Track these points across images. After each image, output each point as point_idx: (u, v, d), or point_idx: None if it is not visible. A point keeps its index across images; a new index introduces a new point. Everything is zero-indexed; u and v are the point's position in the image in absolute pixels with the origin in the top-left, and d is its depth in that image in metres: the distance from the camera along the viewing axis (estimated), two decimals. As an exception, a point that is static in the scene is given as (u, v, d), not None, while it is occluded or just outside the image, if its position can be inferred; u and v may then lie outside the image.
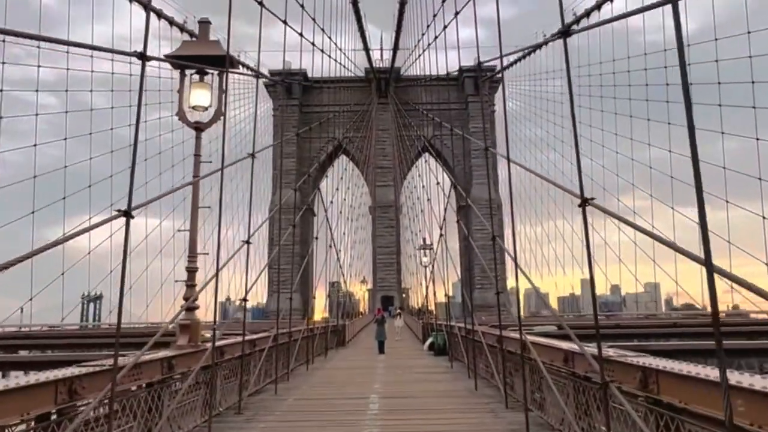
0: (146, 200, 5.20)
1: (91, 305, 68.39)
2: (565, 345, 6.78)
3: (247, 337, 10.32)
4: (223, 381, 8.81)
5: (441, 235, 16.61)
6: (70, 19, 29.08)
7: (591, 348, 6.64)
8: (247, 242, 8.74)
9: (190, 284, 7.67)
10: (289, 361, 13.04)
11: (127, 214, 3.83)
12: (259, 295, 63.53)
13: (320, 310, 37.36)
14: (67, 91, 30.48)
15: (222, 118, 7.82)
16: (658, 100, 30.93)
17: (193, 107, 7.88)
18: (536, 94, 53.66)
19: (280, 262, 58.84)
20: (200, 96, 7.90)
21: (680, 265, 29.74)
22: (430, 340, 20.55)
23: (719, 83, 25.45)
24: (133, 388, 6.12)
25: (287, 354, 13.20)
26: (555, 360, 6.97)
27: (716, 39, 25.95)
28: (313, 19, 26.11)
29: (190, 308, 7.65)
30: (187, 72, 7.98)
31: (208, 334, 10.95)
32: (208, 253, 8.44)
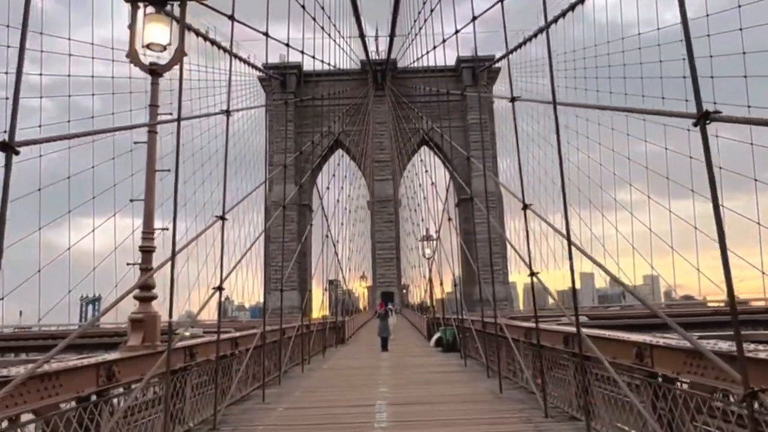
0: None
1: (90, 307, 67.39)
2: (638, 337, 5.14)
3: (226, 336, 8.69)
4: (195, 389, 7.15)
5: (450, 219, 14.97)
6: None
7: (662, 339, 5.06)
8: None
9: (145, 268, 6.00)
10: (281, 362, 11.37)
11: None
12: (257, 294, 62.03)
13: (319, 307, 35.72)
14: (69, 96, 29.25)
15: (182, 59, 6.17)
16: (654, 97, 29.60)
17: (148, 46, 6.24)
18: (530, 87, 51.93)
19: (278, 260, 57.49)
20: (156, 32, 6.25)
21: (677, 258, 28.59)
22: (437, 335, 18.94)
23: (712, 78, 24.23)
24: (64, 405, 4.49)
25: (279, 354, 11.54)
26: (620, 356, 5.33)
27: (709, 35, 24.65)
28: (309, 13, 24.75)
29: (145, 299, 5.99)
30: (141, 3, 6.33)
31: (188, 333, 9.28)
32: (167, 229, 6.78)
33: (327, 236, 21.98)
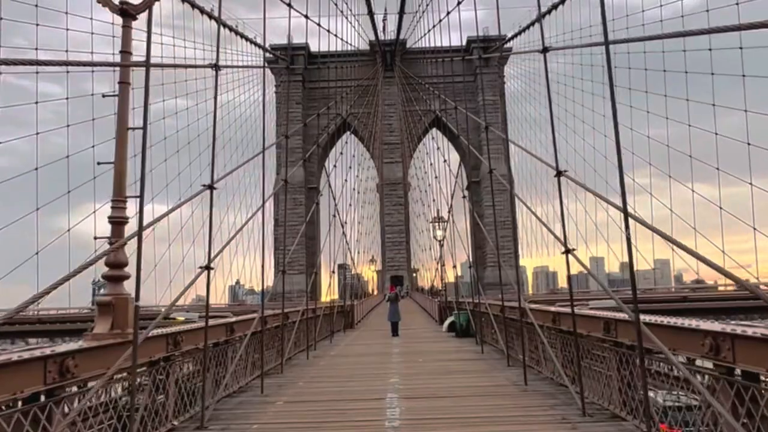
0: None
1: (101, 290, 67.72)
2: (711, 326, 4.19)
3: (219, 321, 7.82)
4: (182, 382, 6.30)
5: (465, 196, 13.99)
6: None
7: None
8: (210, 187, 6.21)
9: (114, 241, 5.11)
10: (283, 349, 10.51)
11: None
12: (268, 278, 61.54)
13: (327, 291, 34.98)
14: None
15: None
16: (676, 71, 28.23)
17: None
18: (540, 71, 50.42)
19: (286, 243, 56.82)
20: (129, -33, 5.32)
21: (690, 241, 27.63)
22: (450, 319, 18.08)
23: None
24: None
25: (281, 340, 10.69)
26: (684, 348, 4.40)
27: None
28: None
29: (115, 278, 5.11)
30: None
31: (182, 317, 8.43)
32: (140, 197, 5.85)
33: (334, 217, 21.06)
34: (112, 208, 5.25)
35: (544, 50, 6.37)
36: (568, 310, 7.74)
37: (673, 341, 4.45)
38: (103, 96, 6.59)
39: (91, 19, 26.85)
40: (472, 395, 7.35)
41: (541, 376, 8.56)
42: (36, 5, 25.17)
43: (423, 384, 8.41)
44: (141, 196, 4.43)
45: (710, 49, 24.16)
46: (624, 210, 4.15)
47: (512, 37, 56.53)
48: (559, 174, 6.11)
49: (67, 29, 26.73)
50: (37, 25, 25.93)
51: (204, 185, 6.26)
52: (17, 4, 24.16)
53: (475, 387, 7.96)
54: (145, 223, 4.89)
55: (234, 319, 8.41)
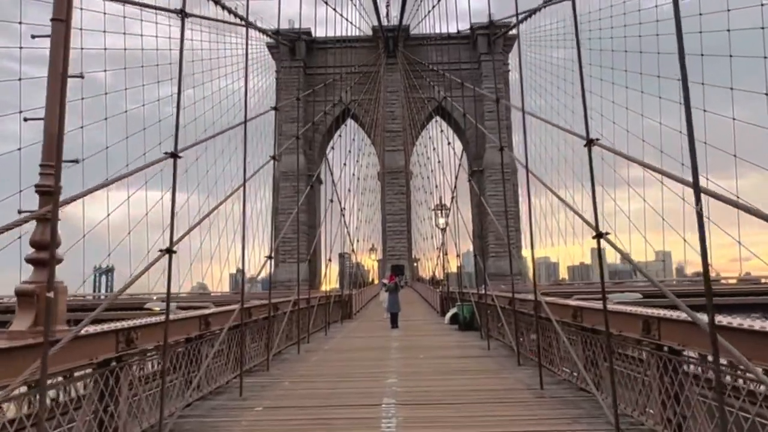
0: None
1: (104, 277, 67.04)
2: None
3: (193, 313, 6.85)
4: (143, 385, 5.33)
5: (470, 180, 12.96)
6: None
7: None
8: (174, 155, 5.20)
9: (45, 218, 4.09)
10: (269, 344, 9.52)
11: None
12: (268, 266, 60.74)
13: (326, 280, 34.15)
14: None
15: None
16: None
17: None
18: (547, 60, 49.25)
19: (286, 232, 55.86)
20: None
21: (689, 234, 26.97)
22: (452, 311, 17.12)
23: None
24: None
25: (267, 334, 9.70)
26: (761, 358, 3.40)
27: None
28: None
29: (40, 262, 4.10)
30: None
31: (158, 308, 7.50)
32: (77, 161, 4.81)
33: (332, 202, 20.06)
34: (41, 174, 4.26)
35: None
36: (590, 304, 6.76)
37: (751, 348, 3.45)
38: (33, 36, 5.57)
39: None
40: (481, 401, 6.37)
41: (557, 378, 7.58)
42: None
43: (424, 386, 7.44)
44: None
45: (728, 30, 23.19)
46: (695, 184, 3.16)
47: (518, 23, 55.23)
48: (589, 143, 5.09)
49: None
50: None
51: (166, 153, 5.25)
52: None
53: (484, 391, 6.98)
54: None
55: (210, 310, 7.42)
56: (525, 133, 7.07)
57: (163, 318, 5.10)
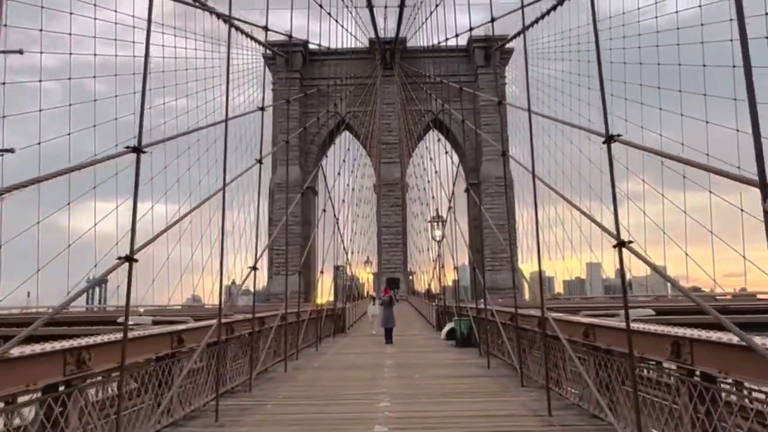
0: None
1: (97, 288, 66.05)
2: None
3: (165, 329, 6.19)
4: (97, 411, 4.64)
5: (469, 190, 12.34)
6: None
7: None
8: (137, 150, 4.58)
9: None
10: (252, 362, 8.81)
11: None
12: (263, 278, 60.24)
13: (321, 293, 33.52)
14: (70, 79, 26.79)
15: None
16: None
17: None
18: (548, 73, 48.97)
19: (281, 243, 55.12)
20: None
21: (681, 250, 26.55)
22: (449, 326, 16.45)
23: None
24: None
25: (250, 352, 9.00)
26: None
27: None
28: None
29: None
30: None
31: (131, 322, 6.92)
32: (12, 150, 4.06)
33: (324, 211, 19.44)
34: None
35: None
36: (604, 321, 6.11)
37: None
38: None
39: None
40: (483, 430, 5.69)
41: (565, 402, 6.91)
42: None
43: (419, 411, 6.77)
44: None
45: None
46: (762, 182, 2.56)
47: (515, 36, 55.03)
48: (609, 139, 4.48)
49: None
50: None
51: (129, 147, 4.62)
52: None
53: (486, 417, 6.31)
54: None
55: (184, 326, 6.73)
56: (531, 133, 6.47)
57: (113, 336, 4.43)
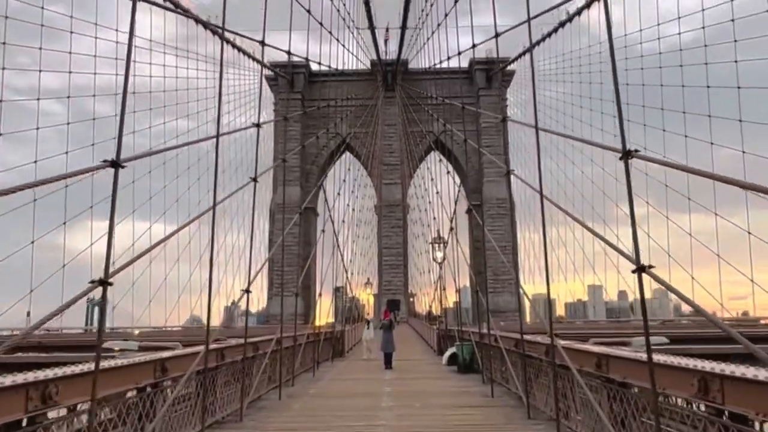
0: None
1: (96, 309, 65.53)
2: None
3: (148, 357, 5.78)
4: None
5: (471, 209, 11.97)
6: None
7: None
8: (115, 164, 4.24)
9: None
10: (243, 392, 8.35)
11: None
12: (263, 300, 59.74)
13: (320, 315, 32.98)
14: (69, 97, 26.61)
15: None
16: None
17: None
18: (543, 99, 48.94)
19: (280, 264, 54.63)
20: None
21: (684, 273, 26.18)
22: (451, 350, 15.97)
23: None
24: None
25: (243, 378, 8.55)
26: None
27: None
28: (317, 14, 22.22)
29: None
30: None
31: (118, 347, 6.59)
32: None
33: (323, 232, 19.08)
34: None
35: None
36: (618, 351, 5.70)
37: None
38: None
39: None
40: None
41: (575, 435, 6.46)
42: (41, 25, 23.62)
43: (420, 446, 6.31)
44: None
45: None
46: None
47: (516, 58, 55.13)
48: (626, 155, 4.12)
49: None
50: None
51: (105, 161, 4.27)
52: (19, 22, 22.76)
53: (492, 454, 5.86)
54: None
55: (169, 353, 6.31)
56: (538, 149, 6.12)
57: (84, 367, 4.03)
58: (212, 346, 7.76)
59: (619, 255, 5.02)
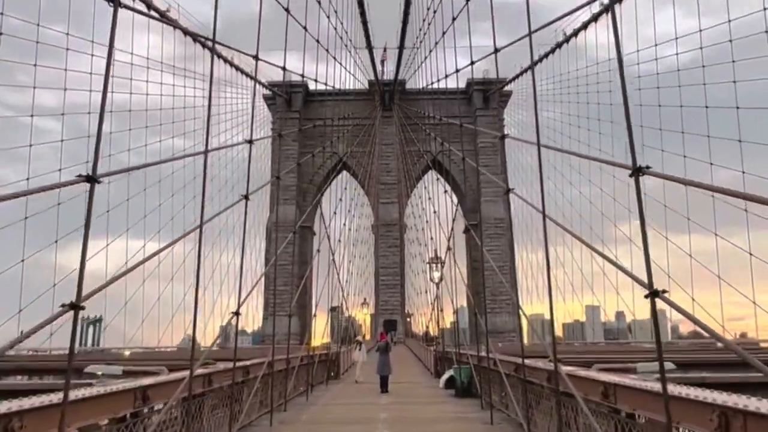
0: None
1: (91, 328, 64.75)
2: None
3: (128, 385, 5.45)
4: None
5: (469, 230, 11.68)
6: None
7: None
8: (90, 179, 3.96)
9: None
10: (232, 420, 7.97)
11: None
12: (259, 319, 59.23)
13: (317, 335, 32.53)
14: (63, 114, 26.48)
15: None
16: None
17: None
18: (540, 120, 48.97)
19: (277, 283, 54.18)
20: None
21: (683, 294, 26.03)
22: (448, 374, 15.57)
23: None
24: None
25: (231, 405, 8.18)
26: None
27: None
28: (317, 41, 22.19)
29: None
30: None
31: (100, 371, 6.22)
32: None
33: (318, 252, 18.79)
34: None
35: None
36: (626, 380, 5.38)
37: None
38: None
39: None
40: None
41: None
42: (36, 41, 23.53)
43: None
44: None
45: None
46: None
47: (512, 80, 55.39)
48: (637, 171, 3.86)
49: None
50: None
51: (80, 175, 4.00)
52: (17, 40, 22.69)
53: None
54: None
55: (150, 380, 5.97)
56: (540, 167, 5.87)
57: (48, 399, 3.70)
58: (199, 371, 7.43)
59: (619, 274, 4.77)
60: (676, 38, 25.70)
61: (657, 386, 4.73)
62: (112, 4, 4.37)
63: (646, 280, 3.87)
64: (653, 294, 3.77)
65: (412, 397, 14.50)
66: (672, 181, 4.51)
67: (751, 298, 20.48)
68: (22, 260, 20.28)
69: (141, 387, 5.59)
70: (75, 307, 3.84)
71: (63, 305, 3.86)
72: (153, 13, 26.87)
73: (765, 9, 19.58)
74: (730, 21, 21.69)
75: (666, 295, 3.82)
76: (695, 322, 3.85)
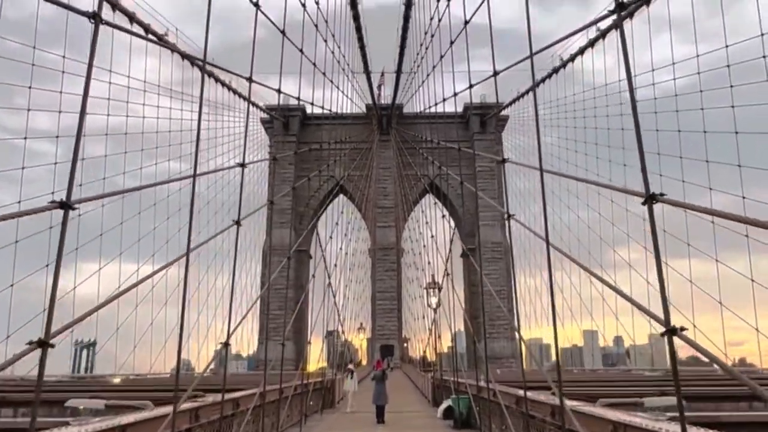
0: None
1: (84, 352, 63.94)
2: None
3: (105, 425, 5.11)
4: None
5: (467, 255, 11.42)
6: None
7: None
8: (64, 206, 3.69)
9: None
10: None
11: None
12: (254, 344, 58.56)
13: (312, 361, 31.97)
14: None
15: None
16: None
17: None
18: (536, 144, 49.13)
19: (272, 308, 53.58)
20: None
21: (683, 319, 25.71)
22: (446, 403, 15.14)
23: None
24: None
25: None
26: None
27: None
28: (314, 64, 22.16)
29: None
30: None
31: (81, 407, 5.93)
32: None
33: (314, 277, 18.46)
34: None
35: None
36: (638, 420, 5.06)
37: None
38: None
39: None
40: None
41: None
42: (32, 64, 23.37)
43: None
44: None
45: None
46: None
47: (510, 103, 55.64)
48: (650, 199, 3.61)
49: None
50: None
51: (53, 201, 3.73)
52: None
53: None
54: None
55: (132, 417, 5.61)
56: (543, 191, 5.62)
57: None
58: (186, 405, 7.08)
59: (617, 299, 4.49)
60: (673, 63, 25.74)
61: (671, 428, 4.41)
62: (93, 21, 4.15)
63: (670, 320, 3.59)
64: (670, 332, 3.49)
65: (410, 428, 14.08)
66: (687, 209, 4.25)
67: (750, 323, 20.21)
68: (11, 285, 19.89)
69: (120, 426, 5.24)
70: (43, 344, 3.54)
71: (30, 342, 3.57)
72: (151, 36, 26.84)
73: (762, 34, 19.58)
74: (727, 46, 21.71)
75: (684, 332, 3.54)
76: (717, 362, 3.56)
